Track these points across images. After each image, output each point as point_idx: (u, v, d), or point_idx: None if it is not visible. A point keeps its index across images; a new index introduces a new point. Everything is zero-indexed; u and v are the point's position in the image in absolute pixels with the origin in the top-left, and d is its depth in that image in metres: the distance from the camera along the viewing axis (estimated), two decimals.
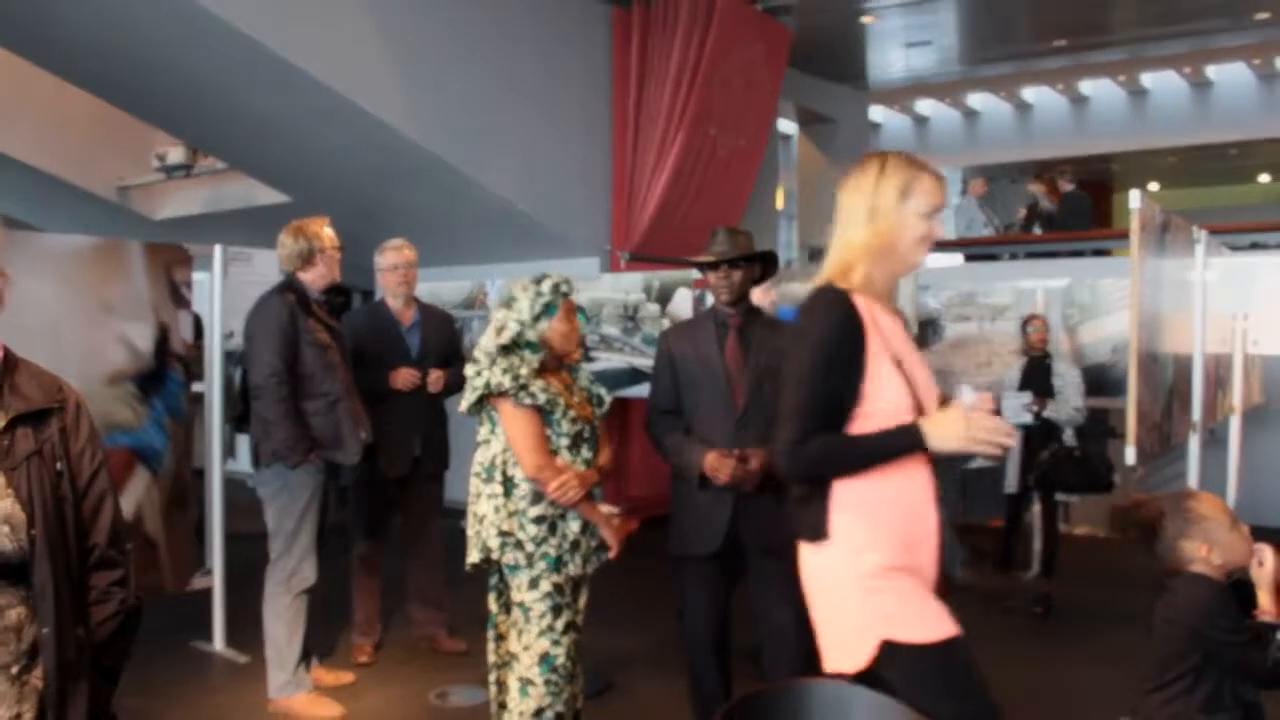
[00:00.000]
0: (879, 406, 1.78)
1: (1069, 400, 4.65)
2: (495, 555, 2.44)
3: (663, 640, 3.88)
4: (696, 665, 2.92)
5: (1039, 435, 4.64)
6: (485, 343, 2.47)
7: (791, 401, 1.79)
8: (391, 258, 3.94)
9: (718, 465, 2.71)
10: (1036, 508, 4.86)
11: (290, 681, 3.37)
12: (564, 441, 2.47)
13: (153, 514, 3.64)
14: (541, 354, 2.50)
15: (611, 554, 2.58)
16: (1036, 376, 4.73)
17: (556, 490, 2.41)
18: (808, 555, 1.87)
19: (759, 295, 3.53)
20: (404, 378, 3.83)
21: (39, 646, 1.56)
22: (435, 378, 3.87)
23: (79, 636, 1.59)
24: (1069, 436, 4.71)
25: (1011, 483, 4.76)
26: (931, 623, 1.77)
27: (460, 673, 3.76)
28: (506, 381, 2.40)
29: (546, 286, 2.50)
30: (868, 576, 1.77)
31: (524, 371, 2.43)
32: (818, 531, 1.81)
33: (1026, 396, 4.62)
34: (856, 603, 1.78)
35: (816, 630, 1.88)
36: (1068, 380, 4.71)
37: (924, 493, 1.82)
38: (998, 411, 1.79)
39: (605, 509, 2.58)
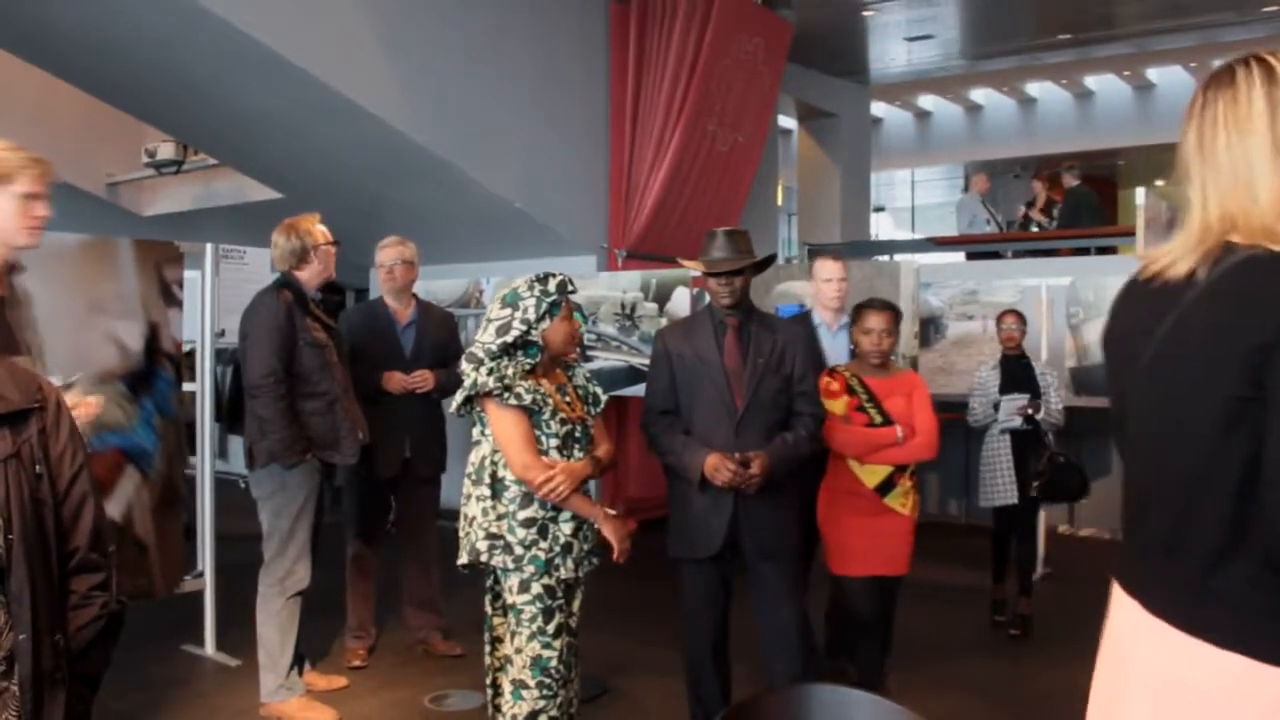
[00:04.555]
0: None
1: (1050, 402, 4.40)
2: (484, 558, 2.40)
3: (661, 643, 3.83)
4: (696, 669, 2.90)
5: (1025, 441, 4.36)
6: (484, 341, 2.42)
7: None
8: (384, 254, 3.88)
9: (718, 466, 2.67)
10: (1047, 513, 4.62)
11: (282, 685, 3.34)
12: (553, 442, 2.42)
13: (142, 515, 3.59)
14: (539, 355, 2.45)
15: (615, 555, 2.48)
16: (1018, 378, 4.44)
17: (544, 489, 2.36)
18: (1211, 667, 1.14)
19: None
20: (397, 382, 3.78)
21: (15, 654, 1.51)
22: (421, 377, 3.80)
23: (56, 644, 1.55)
24: (1050, 440, 4.44)
25: (1009, 493, 4.33)
26: None
27: (456, 676, 3.73)
28: (491, 382, 2.36)
29: (553, 285, 2.46)
30: None
31: (510, 372, 2.38)
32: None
33: (1023, 399, 4.34)
34: None
35: None
36: (1049, 381, 4.46)
37: None
38: None
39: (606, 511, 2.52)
